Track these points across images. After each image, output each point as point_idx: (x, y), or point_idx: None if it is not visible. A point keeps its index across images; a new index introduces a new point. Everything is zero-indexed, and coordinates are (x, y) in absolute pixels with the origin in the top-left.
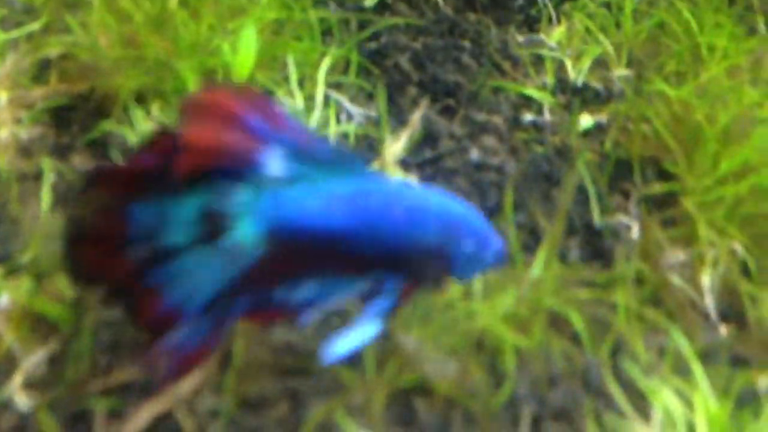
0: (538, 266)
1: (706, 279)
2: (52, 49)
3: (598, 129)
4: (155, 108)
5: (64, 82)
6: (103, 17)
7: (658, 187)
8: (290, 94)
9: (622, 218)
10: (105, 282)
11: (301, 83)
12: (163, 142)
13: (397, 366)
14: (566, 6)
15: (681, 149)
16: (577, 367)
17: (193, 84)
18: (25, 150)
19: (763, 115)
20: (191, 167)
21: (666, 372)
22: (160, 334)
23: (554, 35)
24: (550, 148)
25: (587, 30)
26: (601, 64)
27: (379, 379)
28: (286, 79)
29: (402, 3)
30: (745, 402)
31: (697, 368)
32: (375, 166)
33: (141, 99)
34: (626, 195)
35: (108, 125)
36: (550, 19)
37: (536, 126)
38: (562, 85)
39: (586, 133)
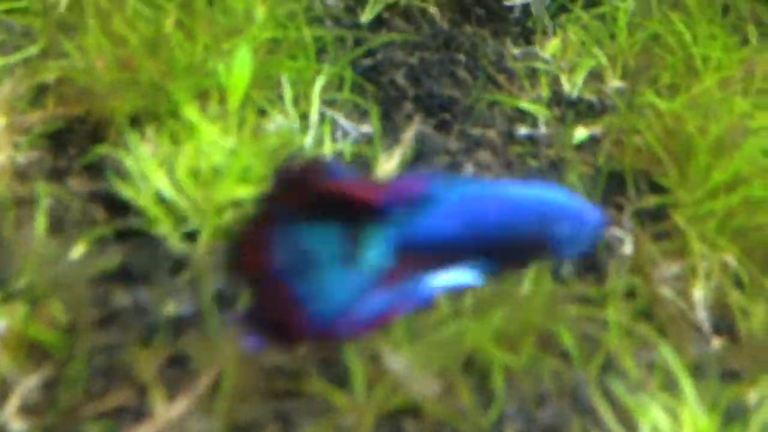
0: (528, 283)
1: (698, 292)
2: (50, 74)
3: (593, 141)
4: (150, 131)
5: (61, 106)
6: (99, 40)
7: (650, 201)
8: (284, 113)
9: (615, 232)
10: (252, 281)
11: (296, 101)
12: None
13: (386, 388)
14: (562, 18)
15: (673, 162)
16: (566, 385)
17: (187, 106)
18: (21, 174)
19: (755, 126)
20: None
21: (655, 388)
22: (302, 343)
23: (549, 47)
24: (544, 161)
25: (582, 42)
26: (595, 76)
27: (368, 401)
28: (281, 97)
29: (399, 18)
30: (734, 416)
31: (686, 383)
32: None
33: (136, 122)
34: (620, 208)
35: (103, 149)
36: (545, 32)
37: (531, 139)
38: (556, 97)
39: (581, 146)
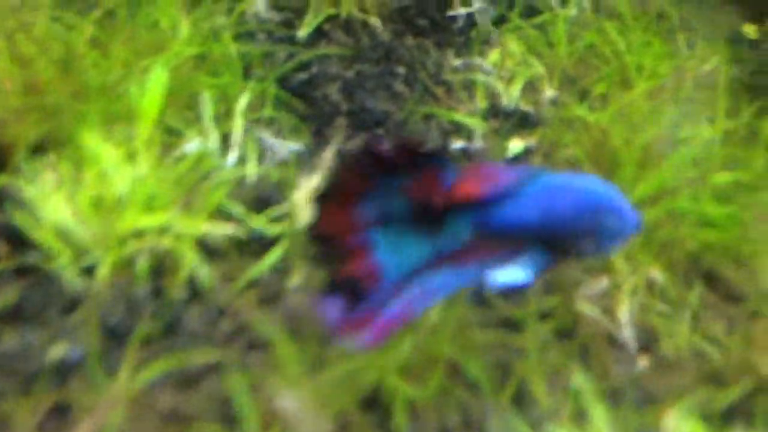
0: (437, 310)
1: (622, 310)
2: None
3: (528, 154)
4: (53, 158)
5: None
6: (6, 64)
7: None
8: (203, 133)
9: None
10: (328, 230)
11: (220, 120)
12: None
13: (279, 429)
14: (502, 28)
15: (600, 174)
16: (473, 418)
17: (88, 130)
18: None
19: (684, 135)
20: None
21: (566, 416)
22: (355, 290)
23: (490, 58)
24: None
25: (522, 52)
26: (533, 87)
27: None
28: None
29: (339, 30)
30: None
31: (597, 410)
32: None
33: (42, 148)
34: None
35: (3, 178)
36: (488, 42)
37: (466, 153)
38: (494, 109)
39: (516, 159)
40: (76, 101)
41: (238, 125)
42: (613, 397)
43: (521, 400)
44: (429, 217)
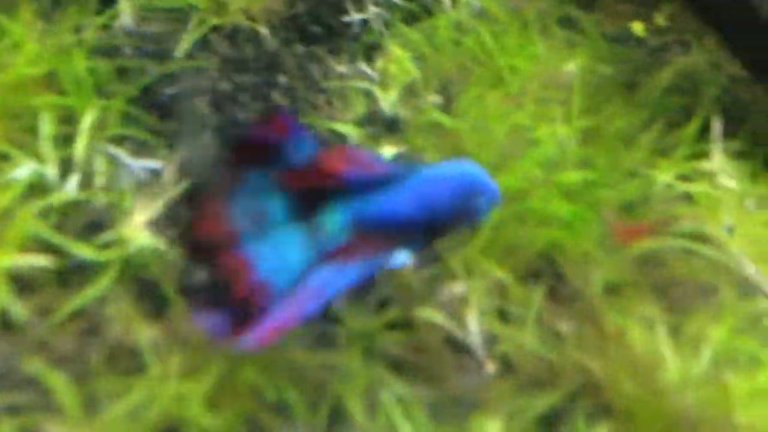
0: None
1: (470, 316)
2: None
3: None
4: None
5: None
6: None
7: None
8: (38, 156)
9: None
10: (203, 242)
11: (66, 142)
12: (279, 121)
13: None
14: (387, 33)
15: None
16: None
17: None
18: None
19: (538, 136)
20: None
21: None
22: (249, 305)
23: (378, 64)
24: None
25: (407, 58)
26: (414, 92)
27: None
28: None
29: (223, 40)
30: None
31: (405, 425)
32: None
33: None
34: None
35: None
36: (378, 47)
37: None
38: (372, 116)
39: None
40: None
41: (80, 146)
42: (447, 407)
43: (336, 419)
44: (306, 210)
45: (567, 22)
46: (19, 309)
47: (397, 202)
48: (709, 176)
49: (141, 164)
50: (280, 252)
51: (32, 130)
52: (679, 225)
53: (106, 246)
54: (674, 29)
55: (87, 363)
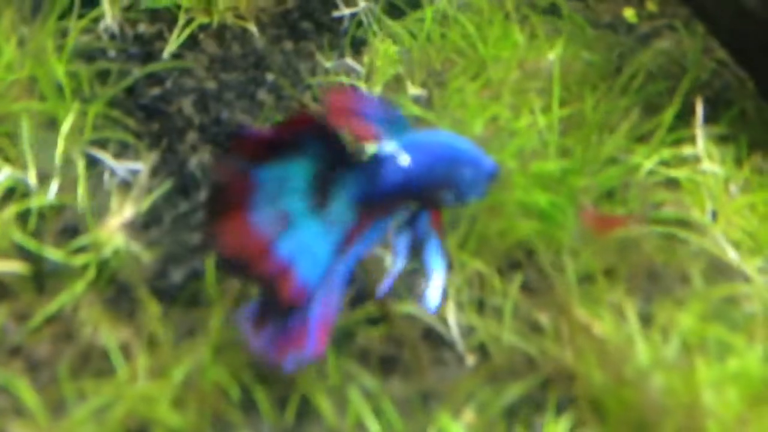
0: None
1: (449, 309)
2: None
3: None
4: None
5: None
6: None
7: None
8: (17, 162)
9: None
10: (237, 259)
11: (47, 146)
12: (301, 119)
13: None
14: (375, 27)
15: None
16: None
17: None
18: None
19: (518, 126)
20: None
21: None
22: (288, 314)
23: (365, 58)
24: None
25: (389, 52)
26: (399, 85)
27: None
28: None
29: (210, 39)
30: None
31: (371, 423)
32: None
33: None
34: None
35: None
36: (364, 42)
37: None
38: None
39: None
40: None
41: (59, 151)
42: (421, 400)
43: (305, 417)
44: (323, 195)
45: (555, 11)
46: None
47: (390, 172)
48: (692, 161)
49: (124, 166)
50: (308, 249)
51: (12, 136)
52: (661, 211)
53: (82, 250)
54: (666, 14)
55: (59, 367)
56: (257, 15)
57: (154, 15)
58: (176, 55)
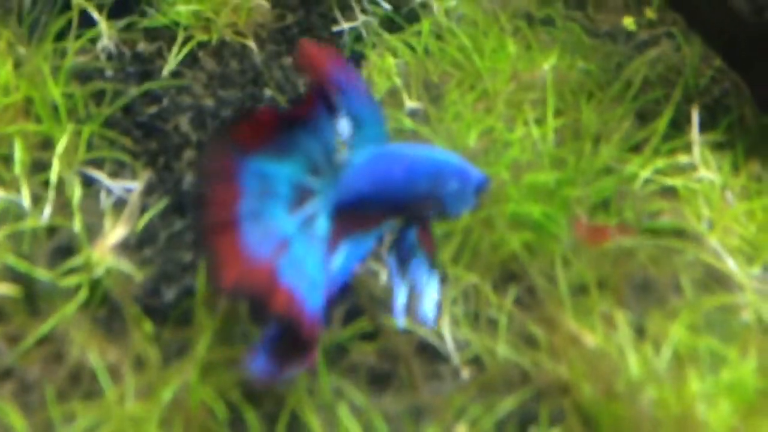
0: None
1: (444, 323)
2: None
3: None
4: None
5: None
6: None
7: None
8: (11, 184)
9: None
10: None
11: (41, 167)
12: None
13: None
14: (373, 41)
15: None
16: None
17: None
18: None
19: (513, 138)
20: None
21: None
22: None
23: (362, 72)
24: None
25: (387, 65)
26: (396, 99)
27: None
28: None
29: (209, 57)
30: None
31: None
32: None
33: None
34: None
35: None
36: (362, 56)
37: None
38: None
39: None
40: None
41: (54, 172)
42: (415, 415)
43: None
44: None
45: (552, 21)
46: None
47: (355, 182)
48: (689, 169)
49: (120, 185)
50: (301, 268)
51: (7, 159)
52: (656, 221)
53: (75, 270)
54: (665, 22)
55: (47, 389)
56: (256, 31)
57: (153, 33)
58: (175, 73)
